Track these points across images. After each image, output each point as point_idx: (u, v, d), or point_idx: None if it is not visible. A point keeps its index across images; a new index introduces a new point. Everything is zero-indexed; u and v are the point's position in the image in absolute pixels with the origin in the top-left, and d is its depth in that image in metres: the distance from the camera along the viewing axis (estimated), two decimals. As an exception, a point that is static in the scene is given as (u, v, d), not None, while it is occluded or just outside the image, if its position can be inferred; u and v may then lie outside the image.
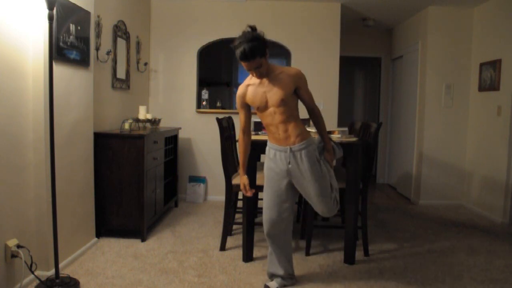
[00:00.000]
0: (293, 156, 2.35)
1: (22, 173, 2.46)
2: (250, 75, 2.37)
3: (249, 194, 2.56)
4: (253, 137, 3.06)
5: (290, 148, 2.35)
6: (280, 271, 2.57)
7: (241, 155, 2.56)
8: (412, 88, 5.35)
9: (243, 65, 2.23)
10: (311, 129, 2.90)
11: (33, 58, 2.51)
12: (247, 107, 2.45)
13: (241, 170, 2.56)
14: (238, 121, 4.49)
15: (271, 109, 2.33)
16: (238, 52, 2.18)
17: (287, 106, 2.31)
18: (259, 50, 2.18)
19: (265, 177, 2.50)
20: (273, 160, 2.43)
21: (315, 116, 2.42)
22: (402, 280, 2.74)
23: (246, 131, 2.51)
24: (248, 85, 2.40)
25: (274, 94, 2.30)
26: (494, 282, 2.73)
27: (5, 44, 2.29)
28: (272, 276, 2.63)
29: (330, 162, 2.45)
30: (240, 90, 2.42)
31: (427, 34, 4.87)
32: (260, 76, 2.29)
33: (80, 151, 2.99)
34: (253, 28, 2.26)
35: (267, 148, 2.49)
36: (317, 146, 2.41)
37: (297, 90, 2.34)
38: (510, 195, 4.09)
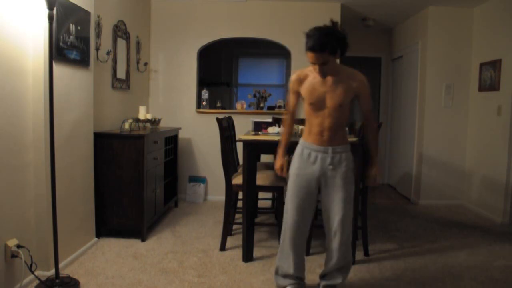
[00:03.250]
0: (333, 158, 2.29)
1: (22, 173, 2.46)
2: (312, 67, 2.24)
3: (284, 175, 2.49)
4: (253, 137, 3.06)
5: (333, 149, 2.29)
6: (292, 271, 2.46)
7: (284, 135, 2.50)
8: (412, 88, 5.35)
9: (309, 56, 2.12)
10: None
11: (33, 58, 2.51)
12: (298, 94, 2.36)
13: (281, 150, 2.49)
14: (239, 121, 4.57)
15: (326, 111, 2.25)
16: (309, 41, 2.08)
17: (343, 111, 2.27)
18: (330, 46, 2.07)
19: (292, 178, 2.37)
20: (306, 160, 2.33)
21: (370, 126, 2.39)
22: (402, 280, 2.74)
23: (293, 114, 2.47)
24: (307, 75, 2.29)
25: (334, 97, 2.22)
26: (494, 282, 2.73)
27: (5, 44, 2.29)
28: (279, 272, 2.51)
29: (376, 177, 2.40)
30: (297, 76, 2.32)
31: (427, 34, 4.87)
32: (322, 73, 2.19)
33: (80, 151, 2.99)
34: (335, 24, 2.14)
35: (299, 147, 2.38)
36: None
37: (357, 97, 2.30)
38: (510, 195, 4.09)
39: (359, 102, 2.33)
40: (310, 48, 2.08)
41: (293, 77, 2.36)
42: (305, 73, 2.32)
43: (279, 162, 2.51)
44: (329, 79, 2.24)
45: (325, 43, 2.06)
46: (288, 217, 2.39)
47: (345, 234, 2.36)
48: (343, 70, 2.28)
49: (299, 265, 2.47)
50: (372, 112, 2.39)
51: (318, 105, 2.26)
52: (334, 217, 2.34)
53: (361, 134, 3.54)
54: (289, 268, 2.45)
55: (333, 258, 2.40)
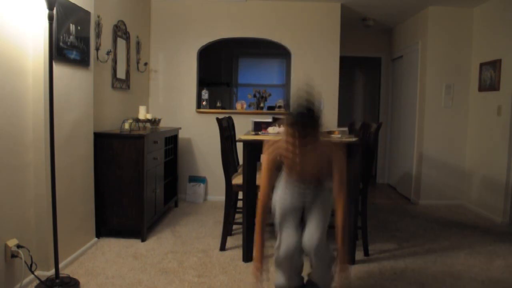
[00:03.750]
0: (315, 193, 2.24)
1: (22, 173, 2.46)
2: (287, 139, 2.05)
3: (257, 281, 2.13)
4: (253, 137, 3.06)
5: (315, 187, 2.23)
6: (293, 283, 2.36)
7: (257, 235, 2.15)
8: (412, 88, 5.35)
9: (290, 131, 1.97)
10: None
11: (33, 58, 2.51)
12: (275, 168, 2.18)
13: (257, 254, 2.14)
14: (238, 123, 4.57)
15: (304, 174, 2.19)
16: (298, 117, 1.93)
17: (322, 172, 2.19)
18: (317, 130, 1.99)
19: (279, 209, 2.26)
20: (290, 193, 2.25)
21: (339, 200, 2.12)
22: (402, 280, 2.74)
23: (267, 199, 2.17)
24: (280, 149, 2.12)
25: (310, 166, 2.14)
26: (494, 282, 2.73)
27: (5, 44, 2.29)
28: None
29: (343, 277, 2.13)
30: (273, 156, 2.14)
31: (427, 34, 4.87)
32: (294, 148, 2.03)
33: (80, 151, 2.99)
34: (311, 103, 1.99)
35: (283, 178, 2.28)
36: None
37: (331, 164, 2.13)
38: (510, 195, 4.09)
39: (332, 169, 2.13)
40: (299, 126, 1.95)
41: (269, 156, 2.16)
42: (279, 148, 2.15)
43: (255, 267, 2.14)
44: (304, 148, 2.06)
45: (316, 126, 1.98)
46: (280, 243, 2.26)
47: (326, 260, 2.23)
48: (320, 141, 2.11)
49: (298, 277, 2.35)
50: (343, 188, 2.12)
51: (296, 171, 2.18)
52: (310, 239, 2.19)
53: (361, 134, 3.54)
54: (291, 281, 2.32)
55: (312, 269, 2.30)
